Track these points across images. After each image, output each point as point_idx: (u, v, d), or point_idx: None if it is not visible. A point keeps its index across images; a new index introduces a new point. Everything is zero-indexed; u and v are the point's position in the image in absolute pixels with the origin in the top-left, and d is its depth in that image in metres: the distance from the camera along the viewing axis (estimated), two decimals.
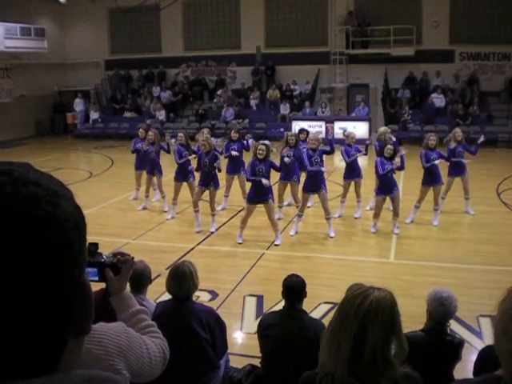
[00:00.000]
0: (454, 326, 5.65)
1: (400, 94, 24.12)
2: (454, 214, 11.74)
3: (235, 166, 12.32)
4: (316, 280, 7.44)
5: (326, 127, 22.81)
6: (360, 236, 10.80)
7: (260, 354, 4.76)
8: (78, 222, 0.93)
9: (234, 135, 12.53)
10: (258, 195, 9.85)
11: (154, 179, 12.62)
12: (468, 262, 8.93)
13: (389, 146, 10.61)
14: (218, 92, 26.08)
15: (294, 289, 4.65)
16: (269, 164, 9.89)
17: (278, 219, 11.14)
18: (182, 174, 11.46)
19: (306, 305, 4.88)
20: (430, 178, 11.09)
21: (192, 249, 9.94)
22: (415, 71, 24.43)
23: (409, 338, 4.14)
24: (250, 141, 12.87)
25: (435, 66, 24.09)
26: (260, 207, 10.15)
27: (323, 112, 24.04)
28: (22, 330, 0.84)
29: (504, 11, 22.91)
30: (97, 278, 2.16)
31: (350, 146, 11.55)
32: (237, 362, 5.40)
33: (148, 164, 12.47)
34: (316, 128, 23.02)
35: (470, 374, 4.11)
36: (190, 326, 4.50)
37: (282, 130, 23.68)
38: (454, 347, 4.35)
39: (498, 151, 20.86)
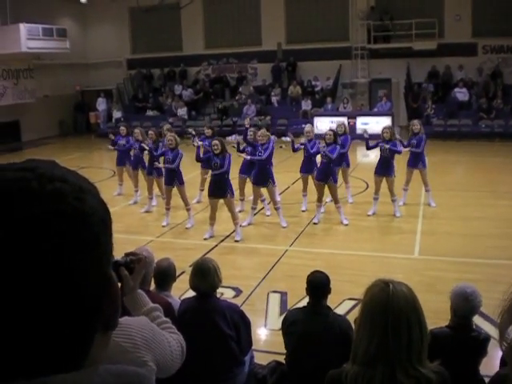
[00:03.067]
0: (479, 321, 5.60)
1: (424, 87, 23.90)
2: (478, 209, 11.62)
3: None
4: (340, 276, 7.41)
5: (348, 122, 22.74)
6: (384, 232, 10.76)
7: (284, 351, 4.77)
8: (104, 217, 0.94)
9: (208, 131, 12.58)
10: (217, 189, 10.05)
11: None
12: (493, 257, 8.83)
13: (328, 132, 11.03)
14: (240, 89, 26.10)
15: (318, 285, 4.64)
16: (228, 158, 10.03)
17: (240, 211, 11.45)
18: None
19: (331, 301, 4.87)
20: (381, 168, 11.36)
21: (216, 246, 9.97)
22: (438, 65, 24.21)
23: (434, 334, 4.13)
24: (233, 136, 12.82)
25: (458, 60, 23.84)
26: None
27: (345, 107, 23.94)
28: (52, 326, 0.85)
29: None
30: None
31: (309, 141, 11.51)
32: (261, 359, 5.41)
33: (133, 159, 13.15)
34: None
35: (496, 370, 4.07)
36: (215, 323, 4.52)
37: (303, 126, 23.58)
38: (480, 343, 4.32)
39: None
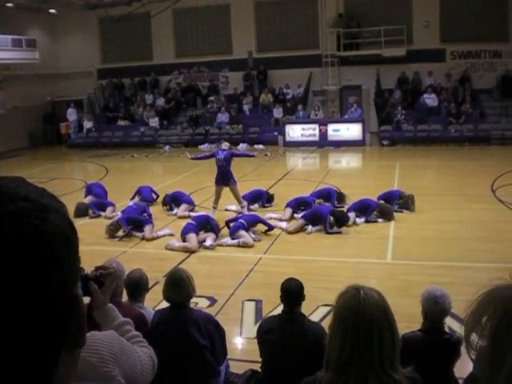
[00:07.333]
0: (452, 323, 5.65)
1: (393, 95, 24.14)
2: (450, 213, 11.73)
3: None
4: (314, 283, 7.42)
5: (320, 129, 22.93)
6: (356, 238, 10.79)
7: (260, 359, 4.76)
8: (69, 236, 0.92)
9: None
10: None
11: None
12: (466, 260, 8.92)
13: None
14: (211, 98, 26.13)
15: (292, 292, 4.65)
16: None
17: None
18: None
19: (305, 308, 4.87)
20: None
21: (189, 255, 9.92)
22: (407, 71, 24.53)
23: (407, 338, 4.17)
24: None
25: (427, 66, 24.19)
26: None
27: (316, 115, 24.07)
28: (14, 347, 0.84)
29: (494, 9, 23.04)
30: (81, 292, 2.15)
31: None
32: (237, 368, 5.38)
33: None
34: (309, 131, 23.10)
35: (470, 371, 4.10)
36: (189, 333, 4.50)
37: (275, 133, 23.81)
38: (453, 345, 4.35)
39: (492, 148, 20.92)
